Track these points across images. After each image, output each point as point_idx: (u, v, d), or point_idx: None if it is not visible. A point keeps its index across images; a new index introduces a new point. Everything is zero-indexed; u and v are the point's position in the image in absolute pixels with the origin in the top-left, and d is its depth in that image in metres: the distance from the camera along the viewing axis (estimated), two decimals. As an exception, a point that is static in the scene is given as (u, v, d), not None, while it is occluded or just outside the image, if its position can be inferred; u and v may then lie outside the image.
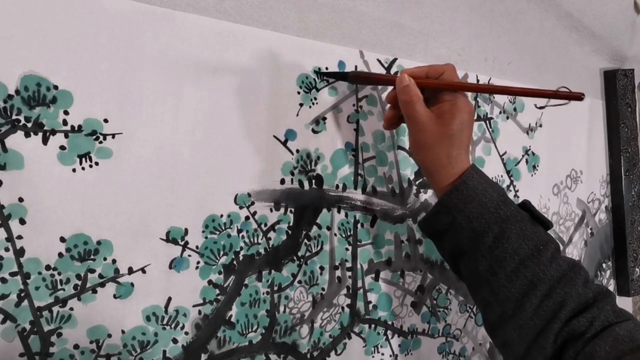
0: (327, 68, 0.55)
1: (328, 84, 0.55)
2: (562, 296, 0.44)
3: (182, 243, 0.47)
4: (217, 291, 0.49)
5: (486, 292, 0.47)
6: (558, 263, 0.46)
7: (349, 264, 0.58)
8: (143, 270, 0.45)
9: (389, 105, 0.53)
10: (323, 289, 0.56)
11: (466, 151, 0.49)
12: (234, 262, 0.50)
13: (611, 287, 0.96)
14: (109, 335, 0.43)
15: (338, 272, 0.57)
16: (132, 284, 0.44)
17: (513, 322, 0.45)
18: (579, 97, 0.44)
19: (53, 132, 0.40)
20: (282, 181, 0.52)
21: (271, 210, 0.52)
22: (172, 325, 0.46)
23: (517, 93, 0.51)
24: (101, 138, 0.42)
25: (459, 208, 0.47)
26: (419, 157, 0.50)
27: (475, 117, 0.71)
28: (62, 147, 0.41)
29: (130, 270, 0.44)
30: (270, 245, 0.52)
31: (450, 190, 0.47)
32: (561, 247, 0.85)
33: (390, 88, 0.52)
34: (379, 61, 0.60)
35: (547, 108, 0.81)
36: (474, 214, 0.46)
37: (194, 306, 0.47)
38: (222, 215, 0.49)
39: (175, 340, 0.46)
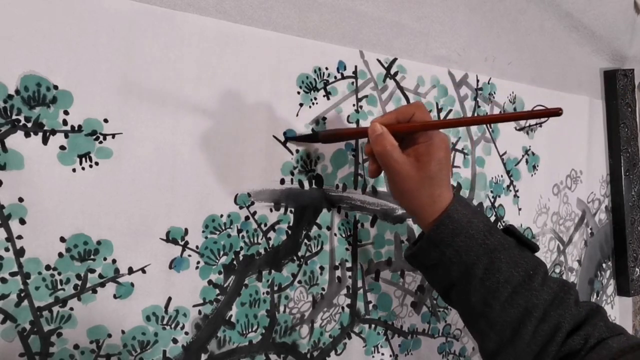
0: (327, 68, 0.55)
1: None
2: (557, 319, 0.45)
3: (182, 243, 0.47)
4: (217, 291, 0.49)
5: (482, 323, 0.47)
6: (549, 286, 0.46)
7: (349, 264, 0.58)
8: (143, 270, 0.45)
9: (369, 158, 0.50)
10: (323, 289, 0.56)
11: (448, 187, 0.48)
12: (234, 262, 0.50)
13: (611, 287, 0.96)
14: (109, 335, 0.43)
15: (338, 272, 0.57)
16: (132, 284, 0.44)
17: (511, 350, 0.46)
18: (556, 112, 0.42)
19: (53, 132, 0.40)
20: (282, 181, 0.52)
21: (271, 210, 0.52)
22: (172, 325, 0.46)
23: (492, 121, 0.48)
24: (101, 138, 0.42)
25: (447, 242, 0.46)
26: (402, 202, 0.49)
27: (476, 115, 0.71)
28: (62, 147, 0.41)
29: (130, 270, 0.44)
30: (270, 245, 0.52)
31: (436, 226, 0.46)
32: (561, 248, 0.85)
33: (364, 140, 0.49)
34: (379, 61, 0.60)
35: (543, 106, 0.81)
36: (462, 247, 0.46)
37: (194, 306, 0.47)
38: (222, 215, 0.49)
39: (175, 340, 0.46)
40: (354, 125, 0.58)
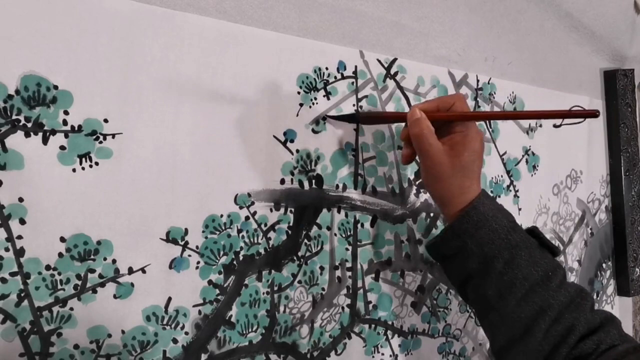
0: (327, 68, 0.56)
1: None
2: (571, 321, 0.45)
3: (182, 243, 0.47)
4: (217, 291, 0.49)
5: (495, 316, 0.47)
6: (566, 289, 0.47)
7: (349, 264, 0.58)
8: (143, 270, 0.45)
9: (403, 143, 0.52)
10: (323, 289, 0.56)
11: (477, 180, 0.49)
12: (234, 262, 0.50)
13: (611, 287, 0.96)
14: (109, 335, 0.43)
15: (338, 272, 0.57)
16: (132, 284, 0.44)
17: (522, 347, 0.46)
18: (593, 114, 0.43)
19: (53, 132, 0.40)
20: (282, 181, 0.52)
21: (271, 210, 0.52)
22: (172, 325, 0.46)
23: (531, 116, 0.50)
24: (101, 138, 0.42)
25: (470, 233, 0.47)
26: (432, 188, 0.50)
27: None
28: (62, 147, 0.41)
29: (130, 270, 0.44)
30: (270, 245, 0.52)
31: (461, 216, 0.47)
32: (562, 248, 0.85)
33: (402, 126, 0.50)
34: (379, 61, 0.60)
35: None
36: (485, 239, 0.46)
37: (194, 306, 0.47)
38: (222, 215, 0.49)
39: (175, 340, 0.46)
40: (354, 126, 0.58)
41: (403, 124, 0.52)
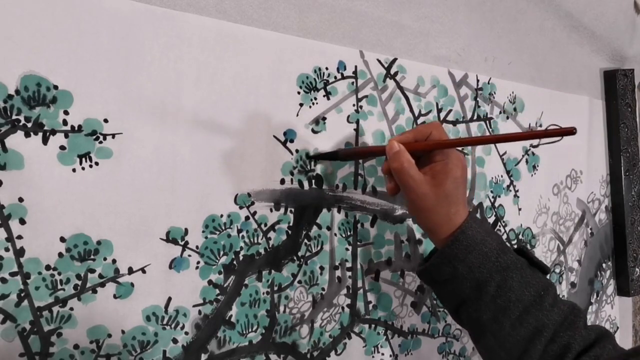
0: (327, 68, 0.56)
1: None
2: (567, 340, 0.45)
3: (182, 243, 0.47)
4: (217, 291, 0.49)
5: (490, 339, 0.47)
6: (559, 307, 0.47)
7: (349, 264, 0.58)
8: (143, 270, 0.45)
9: (386, 177, 0.52)
10: (323, 289, 0.56)
11: (463, 205, 0.48)
12: (234, 262, 0.50)
13: (611, 287, 0.96)
14: (109, 335, 0.43)
15: (338, 272, 0.57)
16: (132, 284, 0.44)
17: None
18: (570, 131, 0.42)
19: (53, 132, 0.40)
20: (282, 181, 0.52)
21: (271, 210, 0.52)
22: (172, 325, 0.46)
23: (507, 140, 0.49)
24: (101, 138, 0.42)
25: (460, 258, 0.47)
26: (419, 219, 0.50)
27: (476, 117, 0.71)
28: (62, 147, 0.41)
29: (130, 270, 0.44)
30: (270, 245, 0.52)
31: (451, 241, 0.47)
32: (561, 248, 0.85)
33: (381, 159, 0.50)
34: (379, 61, 0.60)
35: (546, 112, 0.81)
36: (475, 264, 0.46)
37: (194, 306, 0.47)
38: (222, 215, 0.49)
39: (175, 340, 0.46)
40: (354, 126, 0.58)
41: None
